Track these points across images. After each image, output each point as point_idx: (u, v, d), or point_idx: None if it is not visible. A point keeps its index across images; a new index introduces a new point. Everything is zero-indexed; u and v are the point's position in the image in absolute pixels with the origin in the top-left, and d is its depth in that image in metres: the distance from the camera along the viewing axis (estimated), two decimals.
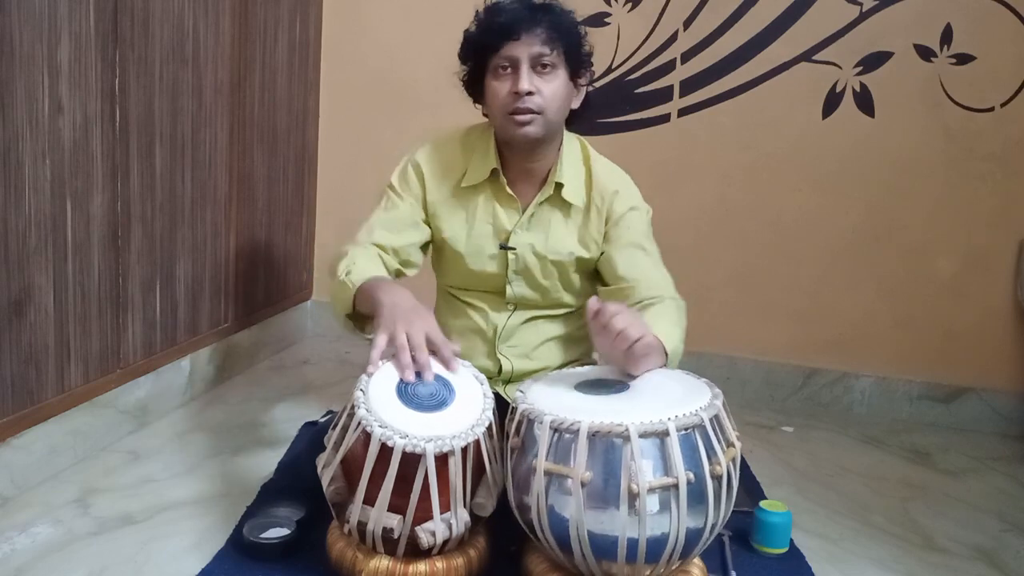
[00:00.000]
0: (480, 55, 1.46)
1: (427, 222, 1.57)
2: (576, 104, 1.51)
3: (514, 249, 1.54)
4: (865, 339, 2.37)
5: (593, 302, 1.26)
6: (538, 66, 1.42)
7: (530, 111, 1.42)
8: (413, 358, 1.26)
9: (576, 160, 1.57)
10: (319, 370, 2.42)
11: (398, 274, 1.55)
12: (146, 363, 1.86)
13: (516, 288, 1.57)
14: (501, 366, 1.59)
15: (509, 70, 1.42)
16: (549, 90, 1.43)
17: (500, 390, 1.58)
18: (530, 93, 1.41)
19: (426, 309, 1.34)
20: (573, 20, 1.47)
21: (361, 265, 1.44)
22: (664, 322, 1.39)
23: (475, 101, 1.55)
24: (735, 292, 2.41)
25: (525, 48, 1.40)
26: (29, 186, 1.47)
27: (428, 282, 1.68)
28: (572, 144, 1.57)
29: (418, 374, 1.26)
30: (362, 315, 1.45)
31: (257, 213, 2.32)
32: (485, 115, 1.56)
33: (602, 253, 1.56)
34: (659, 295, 1.49)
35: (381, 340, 1.28)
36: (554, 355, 1.62)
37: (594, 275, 1.63)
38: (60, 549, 1.35)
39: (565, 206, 1.55)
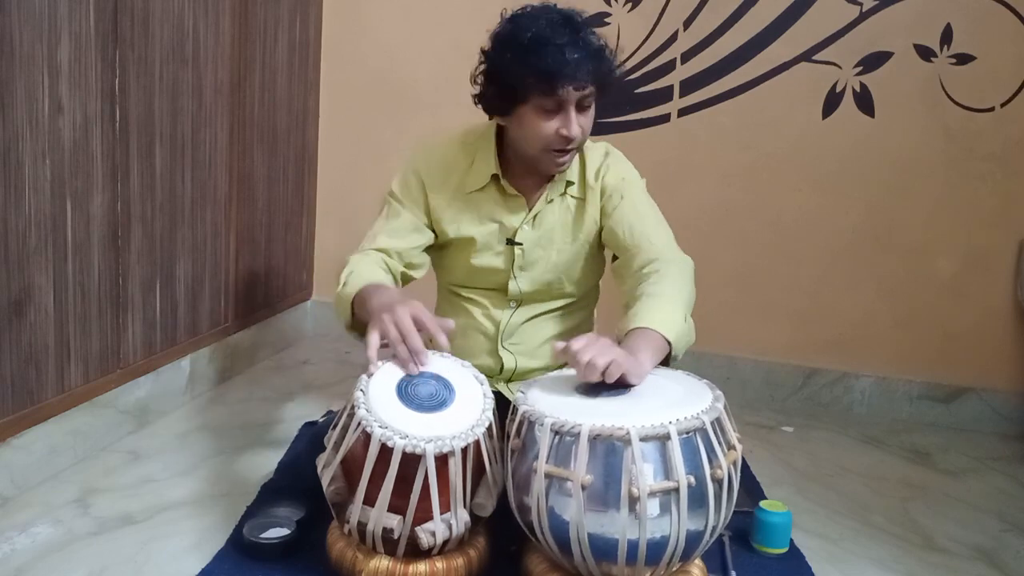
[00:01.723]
0: (526, 90, 1.39)
1: (430, 227, 1.57)
2: None
3: (521, 244, 1.55)
4: (865, 339, 2.37)
5: (557, 344, 1.27)
6: (582, 104, 1.41)
7: (572, 150, 1.45)
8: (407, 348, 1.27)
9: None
10: (319, 370, 2.42)
11: (404, 277, 1.55)
12: (146, 363, 1.86)
13: (520, 283, 1.58)
14: (503, 364, 1.59)
15: (554, 107, 1.40)
16: (587, 124, 1.44)
17: (501, 388, 1.58)
18: (576, 136, 1.42)
19: (412, 300, 1.33)
20: (607, 46, 1.44)
21: (359, 272, 1.44)
22: (662, 307, 1.36)
23: (491, 115, 1.49)
24: (735, 292, 2.41)
25: (577, 93, 1.38)
26: (29, 186, 1.47)
27: (429, 281, 1.68)
28: None
29: (420, 374, 1.26)
30: (364, 323, 1.45)
31: (257, 213, 2.32)
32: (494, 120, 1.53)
33: (602, 228, 1.56)
34: (658, 258, 1.46)
35: (373, 338, 1.28)
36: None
37: (599, 257, 1.63)
38: (60, 549, 1.35)
39: (569, 197, 1.56)
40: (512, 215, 1.55)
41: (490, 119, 1.52)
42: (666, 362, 1.35)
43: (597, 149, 1.59)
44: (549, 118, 1.40)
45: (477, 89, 1.47)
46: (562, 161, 1.46)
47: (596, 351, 1.21)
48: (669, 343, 1.32)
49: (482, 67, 1.45)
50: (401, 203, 1.56)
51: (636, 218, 1.52)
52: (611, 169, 1.56)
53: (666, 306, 1.36)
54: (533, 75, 1.36)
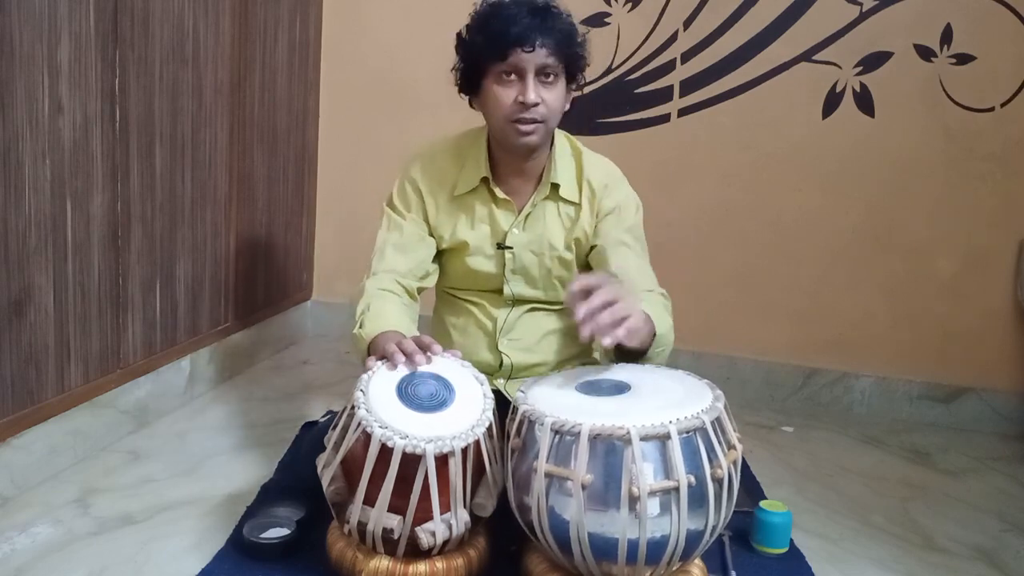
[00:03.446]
0: (483, 60, 1.44)
1: (431, 233, 1.58)
2: (567, 107, 1.52)
3: (511, 248, 1.55)
4: (865, 339, 2.37)
5: (580, 280, 1.25)
6: (542, 75, 1.42)
7: (535, 121, 1.43)
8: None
9: (567, 156, 1.58)
10: (319, 370, 2.42)
11: (420, 291, 1.56)
12: (146, 363, 1.86)
13: (514, 287, 1.58)
14: (502, 360, 1.60)
15: (513, 77, 1.42)
16: (552, 99, 1.44)
17: (501, 386, 1.58)
18: (536, 104, 1.41)
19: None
20: (575, 28, 1.47)
21: (374, 311, 1.44)
22: (653, 308, 1.40)
23: (467, 96, 1.53)
24: (735, 292, 2.41)
25: (533, 59, 1.40)
26: (29, 186, 1.47)
27: None
28: (562, 142, 1.58)
29: (418, 373, 1.27)
30: None
31: (257, 213, 2.32)
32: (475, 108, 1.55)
33: (593, 247, 1.57)
34: (642, 290, 1.48)
35: (372, 359, 1.31)
36: (555, 349, 1.62)
37: (588, 268, 1.63)
38: (60, 549, 1.35)
39: (560, 202, 1.56)
40: (502, 219, 1.56)
41: (470, 105, 1.53)
42: (636, 357, 1.39)
43: (601, 165, 1.60)
44: (508, 86, 1.43)
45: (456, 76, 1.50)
46: (525, 131, 1.44)
47: (615, 295, 1.21)
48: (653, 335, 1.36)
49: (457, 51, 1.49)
50: (402, 214, 1.57)
51: (624, 250, 1.54)
52: (610, 189, 1.56)
53: (656, 309, 1.40)
54: (486, 39, 1.41)
